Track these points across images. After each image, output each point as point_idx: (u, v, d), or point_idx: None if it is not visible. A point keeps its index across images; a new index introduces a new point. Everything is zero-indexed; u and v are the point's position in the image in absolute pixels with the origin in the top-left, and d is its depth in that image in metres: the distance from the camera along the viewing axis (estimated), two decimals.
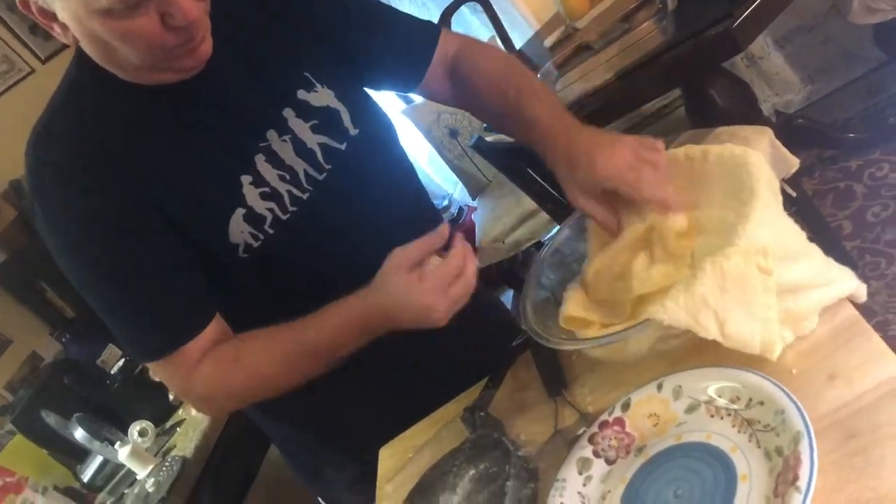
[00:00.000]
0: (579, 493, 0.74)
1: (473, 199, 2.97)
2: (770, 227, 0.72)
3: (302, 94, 0.98)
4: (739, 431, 0.68)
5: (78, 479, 2.19)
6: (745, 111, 2.04)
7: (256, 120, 0.95)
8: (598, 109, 1.81)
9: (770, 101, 2.67)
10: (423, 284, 0.84)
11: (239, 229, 0.93)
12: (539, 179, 1.84)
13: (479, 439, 0.90)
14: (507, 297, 3.31)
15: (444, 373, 1.07)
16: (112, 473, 2.18)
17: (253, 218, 0.93)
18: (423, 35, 1.10)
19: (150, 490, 1.89)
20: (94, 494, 2.15)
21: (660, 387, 0.76)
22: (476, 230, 2.76)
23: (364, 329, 0.90)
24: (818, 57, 2.54)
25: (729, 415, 0.69)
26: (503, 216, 2.60)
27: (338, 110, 1.00)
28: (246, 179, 0.93)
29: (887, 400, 0.62)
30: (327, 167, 0.98)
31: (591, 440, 0.77)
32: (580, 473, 0.76)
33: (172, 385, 1.00)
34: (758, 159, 0.77)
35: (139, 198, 0.90)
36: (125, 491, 2.05)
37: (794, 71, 2.60)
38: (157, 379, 2.06)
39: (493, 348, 1.03)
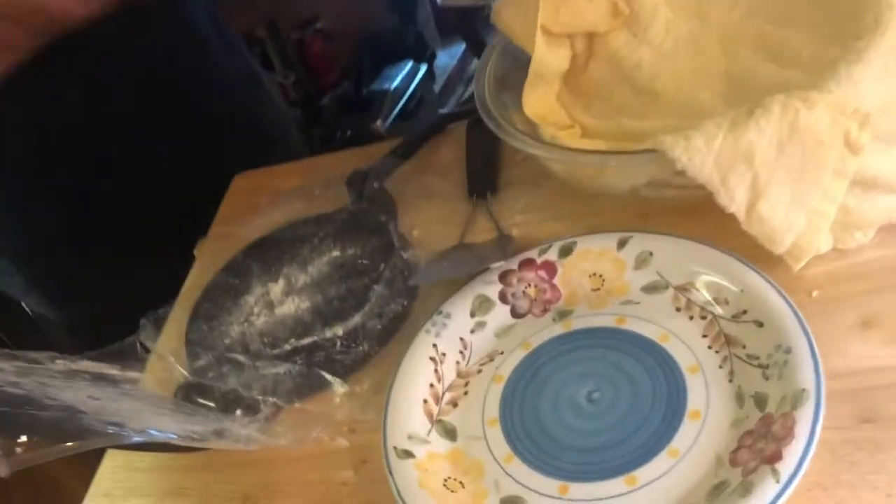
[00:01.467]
0: (462, 339, 0.54)
1: None
2: (886, 84, 0.47)
3: None
4: (710, 347, 0.47)
5: None
6: None
7: None
8: None
9: None
10: None
11: None
12: None
13: (359, 214, 0.68)
14: (458, 50, 2.98)
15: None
16: None
17: None
18: None
19: None
20: None
21: (623, 242, 0.53)
22: None
23: None
24: None
25: (704, 318, 0.49)
26: None
27: None
28: None
29: None
30: None
31: (502, 278, 0.55)
32: (472, 315, 0.55)
33: None
34: None
35: None
36: None
37: None
38: None
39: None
